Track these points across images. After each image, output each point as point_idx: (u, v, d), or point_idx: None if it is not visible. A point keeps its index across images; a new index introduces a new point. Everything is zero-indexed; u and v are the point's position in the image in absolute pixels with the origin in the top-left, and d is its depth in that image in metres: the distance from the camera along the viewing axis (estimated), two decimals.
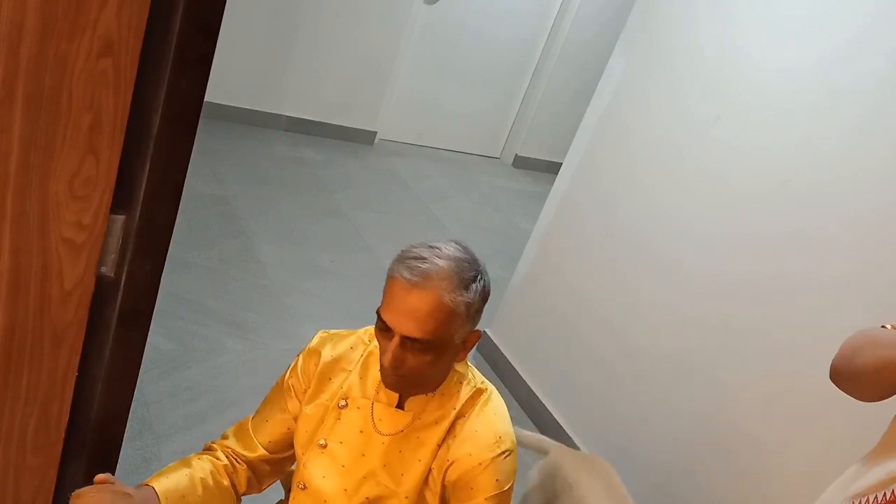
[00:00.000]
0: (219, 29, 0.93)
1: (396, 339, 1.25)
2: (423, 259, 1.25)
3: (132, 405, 1.23)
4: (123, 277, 1.05)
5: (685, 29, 2.52)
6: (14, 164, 0.90)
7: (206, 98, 0.98)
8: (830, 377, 1.21)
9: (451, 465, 1.35)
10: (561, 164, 3.01)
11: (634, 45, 2.70)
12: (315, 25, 4.60)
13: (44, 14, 0.83)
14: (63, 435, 1.17)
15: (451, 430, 1.36)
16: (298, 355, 1.47)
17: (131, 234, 1.02)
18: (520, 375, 3.04)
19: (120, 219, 1.02)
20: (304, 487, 1.41)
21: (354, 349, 1.44)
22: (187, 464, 1.39)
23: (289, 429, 1.45)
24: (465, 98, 5.48)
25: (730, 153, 2.34)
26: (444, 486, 1.37)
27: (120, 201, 1.00)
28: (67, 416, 1.15)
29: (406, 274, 1.24)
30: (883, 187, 1.95)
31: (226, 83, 4.50)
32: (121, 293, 1.06)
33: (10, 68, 0.85)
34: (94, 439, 1.20)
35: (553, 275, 2.97)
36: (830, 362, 1.21)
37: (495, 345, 3.18)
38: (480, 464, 1.34)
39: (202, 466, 1.39)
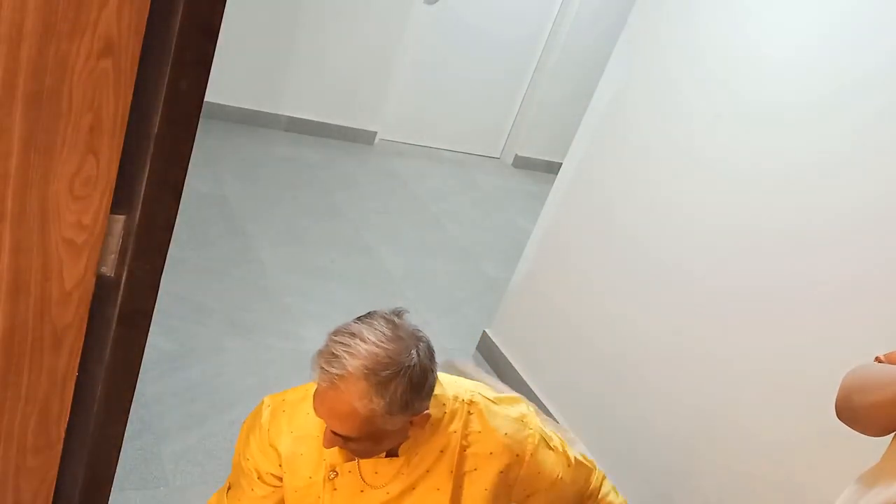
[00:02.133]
0: (219, 29, 0.93)
1: (328, 430, 1.24)
2: (335, 359, 1.19)
3: (132, 405, 1.23)
4: (123, 277, 1.05)
5: (685, 29, 2.52)
6: (14, 164, 0.90)
7: (206, 98, 0.98)
8: (837, 417, 1.23)
9: (503, 474, 1.34)
10: (561, 164, 3.01)
11: (634, 45, 2.70)
12: (315, 25, 4.60)
13: (44, 14, 0.83)
14: (63, 435, 1.17)
15: (470, 454, 1.34)
16: (249, 436, 1.41)
17: (131, 234, 1.02)
18: (520, 375, 3.04)
19: (120, 219, 1.02)
20: None
21: (312, 414, 1.35)
22: None
23: (279, 500, 1.41)
24: (465, 98, 5.48)
25: (730, 153, 2.34)
26: (495, 494, 1.36)
27: (120, 201, 1.00)
28: (67, 416, 1.15)
29: (318, 376, 1.20)
30: (884, 187, 1.95)
31: (226, 83, 4.50)
32: (121, 293, 1.06)
33: (10, 68, 0.85)
34: (94, 439, 1.20)
35: (553, 275, 2.97)
36: (835, 398, 1.23)
37: (495, 345, 3.18)
38: (532, 454, 1.35)
39: None
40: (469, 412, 1.36)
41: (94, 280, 1.04)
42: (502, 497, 1.38)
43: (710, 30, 2.44)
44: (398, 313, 1.26)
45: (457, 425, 1.34)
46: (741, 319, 2.26)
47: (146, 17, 0.88)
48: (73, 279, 1.02)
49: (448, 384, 1.39)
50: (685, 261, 2.44)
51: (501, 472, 1.35)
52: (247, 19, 4.42)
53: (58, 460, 1.19)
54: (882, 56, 1.98)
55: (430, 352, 1.26)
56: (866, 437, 1.20)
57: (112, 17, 0.86)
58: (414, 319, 1.30)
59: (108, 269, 1.05)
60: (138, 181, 0.99)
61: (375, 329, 1.21)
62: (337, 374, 1.18)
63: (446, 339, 3.30)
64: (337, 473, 1.35)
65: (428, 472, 1.33)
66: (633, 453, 2.56)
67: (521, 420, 1.40)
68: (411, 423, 1.27)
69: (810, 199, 2.11)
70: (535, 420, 1.43)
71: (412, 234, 4.17)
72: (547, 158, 5.81)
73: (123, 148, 0.96)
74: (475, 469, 1.35)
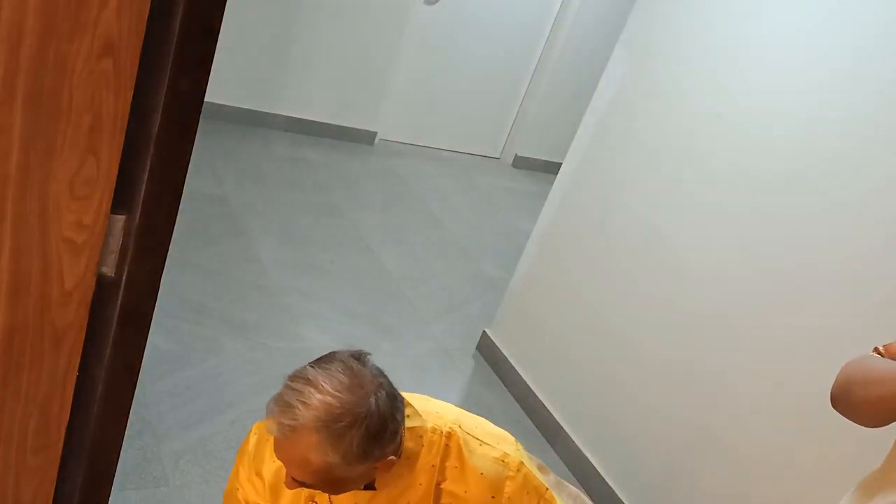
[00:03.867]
0: (219, 29, 0.93)
1: (288, 474, 1.21)
2: (289, 409, 1.15)
3: (132, 405, 1.23)
4: (123, 277, 1.05)
5: (685, 29, 2.52)
6: (14, 164, 0.90)
7: (206, 98, 0.98)
8: (831, 405, 1.22)
9: None
10: (561, 164, 3.01)
11: (634, 45, 2.70)
12: (315, 25, 4.60)
13: (44, 14, 0.83)
14: (63, 435, 1.17)
15: (450, 492, 1.31)
16: (239, 465, 1.41)
17: (131, 234, 1.02)
18: (520, 375, 3.04)
19: (120, 219, 1.02)
20: None
21: None
22: None
23: None
24: (465, 98, 5.48)
25: (731, 152, 2.34)
26: None
27: (120, 201, 1.00)
28: (67, 416, 1.15)
29: (271, 425, 1.17)
30: (886, 188, 1.95)
31: (226, 83, 4.50)
32: (121, 293, 1.06)
33: (10, 68, 0.85)
34: (94, 439, 1.20)
35: (553, 275, 2.97)
36: (830, 390, 1.23)
37: (495, 345, 3.18)
38: (509, 497, 1.31)
39: None
40: (447, 444, 1.32)
41: (94, 280, 1.04)
42: None
43: (709, 30, 2.44)
44: (359, 356, 1.22)
45: (434, 459, 1.31)
46: (741, 318, 2.26)
47: (146, 17, 0.88)
48: (73, 279, 1.02)
49: (427, 414, 1.35)
50: (685, 260, 2.44)
51: (493, 495, 1.31)
52: (247, 19, 4.42)
53: (58, 460, 1.19)
54: (889, 52, 1.98)
55: (392, 397, 1.22)
56: (867, 436, 1.20)
57: (112, 17, 0.86)
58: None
59: (108, 269, 1.05)
60: (138, 181, 0.99)
61: (332, 376, 1.17)
62: (289, 426, 1.15)
63: (446, 339, 3.30)
64: (317, 502, 1.35)
65: (407, 500, 1.31)
66: (633, 453, 2.56)
67: (501, 461, 1.34)
68: (375, 468, 1.23)
69: (814, 196, 2.11)
70: (522, 463, 1.37)
71: (412, 234, 4.17)
72: (547, 158, 5.81)
73: (123, 148, 0.96)
74: (463, 500, 1.32)
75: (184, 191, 1.03)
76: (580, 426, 2.78)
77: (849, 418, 1.20)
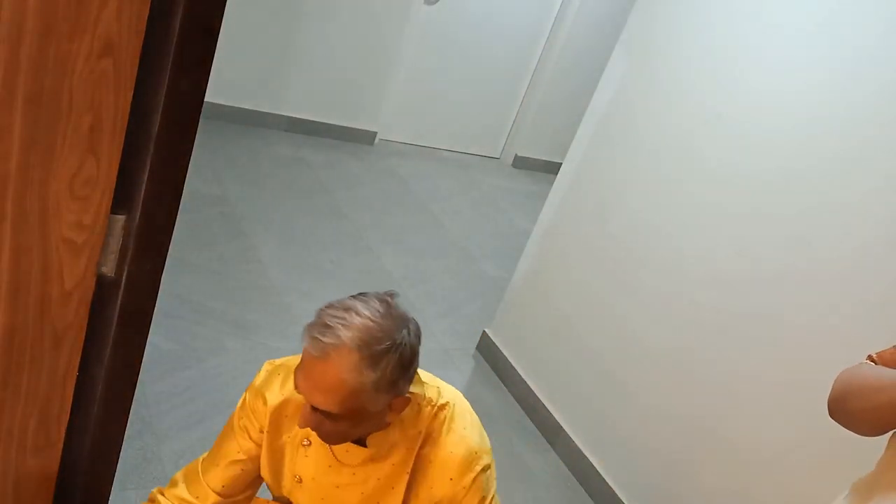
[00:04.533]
0: (219, 29, 0.93)
1: (307, 406, 1.23)
2: (328, 329, 1.18)
3: (132, 405, 1.23)
4: (123, 277, 1.05)
5: (685, 29, 2.52)
6: (14, 164, 0.90)
7: (206, 98, 0.98)
8: (829, 415, 1.23)
9: (433, 490, 1.34)
10: (561, 164, 3.01)
11: (634, 46, 2.70)
12: (315, 25, 4.60)
13: (44, 14, 0.83)
14: (63, 435, 1.17)
15: (423, 456, 1.34)
16: (245, 393, 1.43)
17: (131, 234, 1.02)
18: (520, 375, 3.04)
19: (120, 219, 1.02)
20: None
21: None
22: None
23: (243, 470, 1.42)
24: (465, 98, 5.48)
25: (731, 152, 2.34)
26: None
27: (120, 201, 1.00)
28: (67, 416, 1.15)
29: (309, 346, 1.18)
30: (886, 187, 1.95)
31: (226, 83, 4.50)
32: (121, 293, 1.06)
33: (10, 68, 0.85)
34: (94, 439, 1.20)
35: (553, 275, 2.97)
36: (827, 398, 1.23)
37: (495, 345, 3.18)
38: (464, 487, 1.34)
39: None
40: (435, 415, 1.36)
41: (94, 280, 1.04)
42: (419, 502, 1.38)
43: (709, 29, 2.45)
44: (390, 294, 1.26)
45: (422, 426, 1.34)
46: (741, 318, 2.26)
47: (146, 17, 0.88)
48: (73, 279, 1.02)
49: (429, 386, 1.39)
50: (685, 260, 2.44)
51: (451, 479, 1.35)
52: (247, 19, 4.42)
53: (58, 460, 1.19)
54: (883, 38, 1.98)
55: (419, 335, 1.26)
56: (863, 445, 1.20)
57: (112, 17, 0.86)
58: (414, 318, 1.29)
59: (108, 269, 1.05)
60: (138, 181, 0.99)
61: (369, 305, 1.21)
62: (331, 344, 1.16)
63: (446, 339, 3.30)
64: (310, 443, 1.36)
65: (393, 465, 1.34)
66: (633, 453, 2.56)
67: (474, 452, 1.36)
68: (391, 406, 1.26)
69: (813, 196, 2.11)
70: (488, 468, 1.39)
71: (412, 234, 4.17)
72: (547, 158, 5.81)
73: (123, 148, 0.96)
74: (427, 474, 1.35)
75: (184, 191, 1.03)
76: (580, 426, 2.78)
77: (846, 427, 1.20)
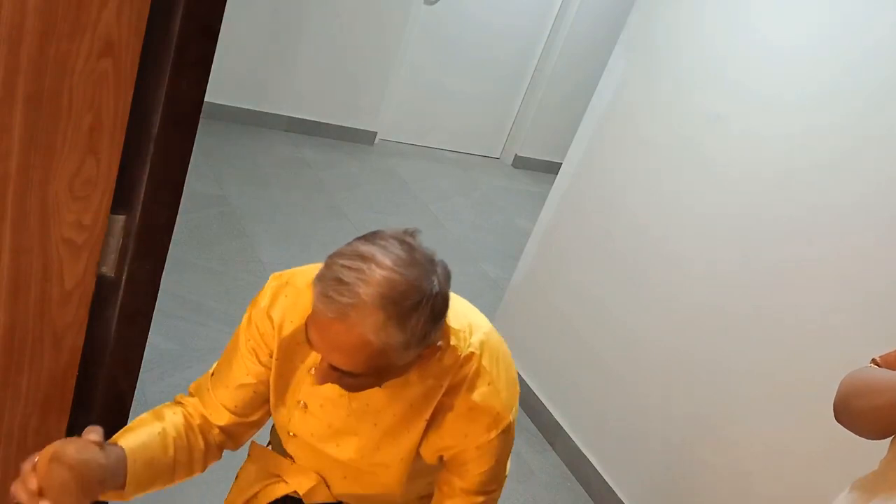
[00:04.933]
0: (219, 29, 0.93)
1: (324, 364, 1.07)
2: (344, 286, 0.99)
3: (132, 405, 1.23)
4: (123, 277, 1.05)
5: (685, 28, 2.52)
6: (14, 164, 0.90)
7: (206, 98, 0.98)
8: (834, 418, 1.24)
9: (445, 441, 1.24)
10: (561, 164, 3.01)
11: (634, 45, 2.70)
12: (315, 25, 4.60)
13: (44, 14, 0.83)
14: (63, 435, 1.17)
15: (443, 405, 1.22)
16: (249, 310, 1.27)
17: (131, 234, 1.02)
18: (520, 375, 3.04)
19: (120, 219, 1.02)
20: (295, 436, 1.30)
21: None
22: (160, 418, 1.22)
23: (255, 392, 1.28)
24: (465, 98, 5.48)
25: (731, 152, 2.34)
26: (439, 455, 1.27)
27: (120, 201, 1.00)
28: (67, 416, 1.15)
29: (321, 304, 1.00)
30: (887, 187, 1.95)
31: (226, 83, 4.50)
32: (121, 293, 1.06)
33: (10, 68, 0.85)
34: None
35: (553, 275, 2.97)
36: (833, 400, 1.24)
37: None
38: (478, 447, 1.23)
39: (176, 424, 1.23)
40: (461, 366, 1.22)
41: (93, 280, 1.04)
42: (430, 448, 1.27)
43: (709, 29, 2.45)
44: (411, 233, 1.08)
45: (443, 374, 1.21)
46: (742, 317, 2.26)
47: (146, 17, 0.88)
48: (73, 279, 1.02)
49: (459, 322, 1.24)
50: (685, 260, 2.44)
51: (466, 435, 1.23)
52: (247, 19, 4.42)
53: None
54: (883, 37, 1.99)
55: (448, 275, 1.09)
56: (864, 442, 1.21)
57: (112, 17, 0.86)
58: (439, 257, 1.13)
59: (108, 269, 1.05)
60: (138, 181, 0.99)
61: (388, 251, 1.02)
62: (349, 304, 0.98)
63: None
64: None
65: (411, 406, 1.22)
66: (633, 453, 2.56)
67: (496, 412, 1.24)
68: (421, 356, 1.11)
69: (814, 196, 2.11)
70: (508, 429, 1.29)
71: None
72: (547, 158, 5.81)
73: (123, 148, 0.96)
74: (443, 423, 1.23)
75: (184, 191, 1.03)
76: (580, 426, 2.78)
77: (851, 430, 1.21)
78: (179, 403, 1.29)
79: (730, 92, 2.35)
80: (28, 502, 0.99)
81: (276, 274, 1.27)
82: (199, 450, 1.26)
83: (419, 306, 1.01)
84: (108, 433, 1.21)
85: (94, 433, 1.06)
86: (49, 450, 0.99)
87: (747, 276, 2.25)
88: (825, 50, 2.12)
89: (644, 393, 2.55)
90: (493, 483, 1.33)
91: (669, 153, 2.53)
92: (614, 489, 2.60)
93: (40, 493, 0.98)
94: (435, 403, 1.22)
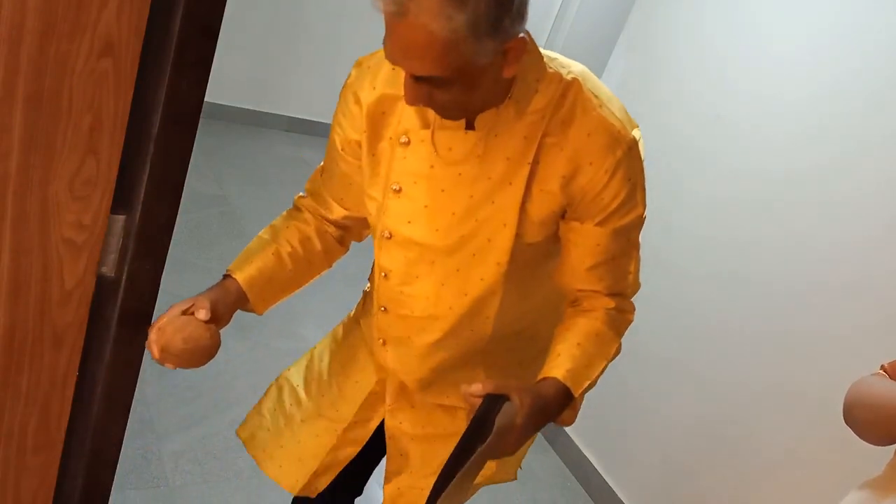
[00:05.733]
0: (219, 29, 0.93)
1: (407, 76, 1.04)
2: None
3: (132, 405, 1.23)
4: (123, 277, 1.05)
5: (685, 29, 2.52)
6: (14, 164, 0.90)
7: (206, 98, 0.98)
8: (844, 422, 1.25)
9: (566, 180, 1.14)
10: None
11: (634, 46, 2.70)
12: (315, 25, 4.60)
13: (44, 14, 0.83)
14: (63, 435, 1.17)
15: (548, 145, 1.14)
16: (339, 99, 1.26)
17: (131, 234, 1.02)
18: None
19: (120, 219, 1.02)
20: (390, 237, 1.24)
21: (399, 68, 1.14)
22: (274, 237, 1.32)
23: (359, 186, 1.28)
24: None
25: (730, 153, 2.34)
26: (556, 203, 1.17)
27: (120, 201, 1.00)
28: (67, 416, 1.15)
29: (384, 6, 1.00)
30: (887, 187, 1.95)
31: (226, 83, 4.50)
32: (121, 293, 1.06)
33: (10, 68, 0.85)
34: (94, 439, 1.20)
35: None
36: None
37: None
38: (606, 171, 1.14)
39: (289, 238, 1.32)
40: (563, 94, 1.14)
41: (94, 280, 1.04)
42: (541, 201, 1.18)
43: (709, 29, 2.44)
44: None
45: (546, 107, 1.13)
46: (741, 319, 2.26)
47: (146, 17, 0.88)
48: (73, 279, 1.02)
49: (550, 59, 1.17)
50: (686, 259, 2.44)
51: (591, 163, 1.14)
52: (247, 19, 4.42)
53: (58, 460, 1.19)
54: (884, 36, 1.98)
55: None
56: (866, 447, 1.22)
57: (112, 17, 0.86)
58: None
59: (108, 269, 1.05)
60: (138, 181, 0.99)
61: None
62: None
63: None
64: (409, 141, 1.18)
65: (508, 160, 1.15)
66: (633, 452, 2.56)
67: (617, 131, 1.15)
68: (505, 56, 1.06)
69: (813, 198, 2.11)
70: (636, 143, 1.21)
71: None
72: None
73: (123, 148, 0.96)
74: (554, 164, 1.15)
75: (184, 191, 1.03)
76: (580, 426, 2.78)
77: (858, 436, 1.22)
78: (297, 208, 1.40)
79: (730, 92, 2.35)
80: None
81: (360, 58, 1.26)
82: (318, 253, 1.35)
83: None
84: (109, 433, 1.21)
85: (202, 310, 1.18)
86: (160, 341, 1.13)
87: (749, 277, 2.25)
88: (827, 48, 2.12)
89: (644, 393, 2.55)
90: (627, 261, 1.30)
91: (670, 153, 2.52)
92: (614, 489, 2.60)
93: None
94: (537, 142, 1.13)
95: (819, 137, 2.10)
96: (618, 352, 1.37)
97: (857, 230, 1.99)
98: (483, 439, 1.06)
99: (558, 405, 1.20)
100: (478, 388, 1.10)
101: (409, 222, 1.22)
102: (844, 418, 1.24)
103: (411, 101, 1.06)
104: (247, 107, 4.71)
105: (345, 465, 1.50)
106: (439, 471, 1.10)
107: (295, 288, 1.39)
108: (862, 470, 1.31)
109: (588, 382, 1.25)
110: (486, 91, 1.09)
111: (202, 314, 1.19)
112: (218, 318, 1.24)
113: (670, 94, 2.54)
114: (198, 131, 1.00)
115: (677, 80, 2.52)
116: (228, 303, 1.27)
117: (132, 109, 0.94)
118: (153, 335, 1.15)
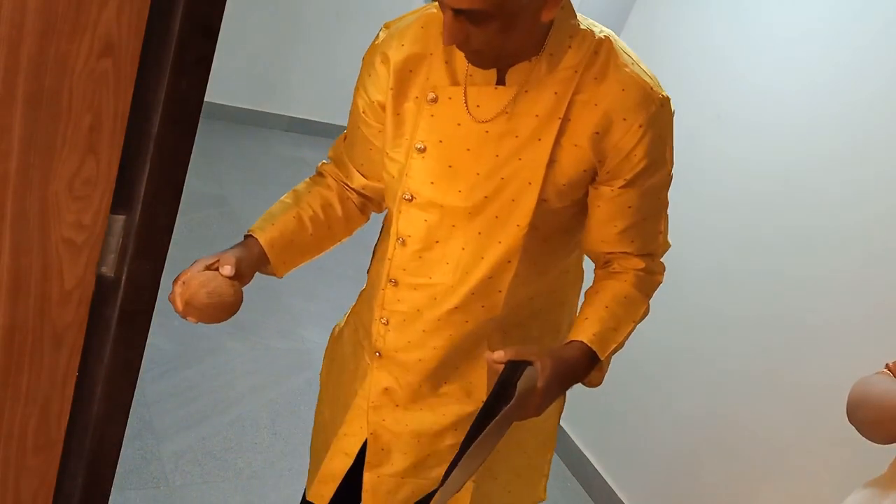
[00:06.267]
0: (219, 29, 0.93)
1: (448, 13, 1.04)
2: None
3: (132, 405, 1.23)
4: (123, 277, 1.05)
5: (685, 29, 2.52)
6: (14, 164, 0.90)
7: (206, 98, 0.98)
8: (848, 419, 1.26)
9: (598, 136, 1.14)
10: None
11: (635, 46, 2.70)
12: (315, 25, 4.60)
13: (44, 14, 0.83)
14: (63, 435, 1.17)
15: (579, 102, 1.13)
16: (364, 60, 1.27)
17: (131, 234, 1.02)
18: None
19: (120, 219, 1.02)
20: (412, 199, 1.22)
21: (427, 27, 1.19)
22: (296, 201, 1.36)
23: (380, 153, 1.28)
24: None
25: (730, 153, 2.34)
26: (585, 160, 1.16)
27: (120, 201, 1.00)
28: (67, 416, 1.15)
29: None
30: (888, 185, 1.95)
31: (226, 83, 4.51)
32: (121, 293, 1.06)
33: (10, 68, 0.85)
34: (94, 439, 1.20)
35: None
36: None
37: None
38: (641, 125, 1.14)
39: (311, 202, 1.34)
40: (595, 52, 1.15)
41: (94, 280, 1.04)
42: (569, 161, 1.17)
43: (709, 29, 2.44)
44: None
45: (578, 64, 1.13)
46: (741, 317, 2.26)
47: (146, 17, 0.88)
48: (73, 279, 1.02)
49: (583, 18, 1.20)
50: (686, 259, 2.44)
51: (625, 119, 1.13)
52: (247, 19, 4.42)
53: (58, 460, 1.19)
54: (884, 35, 1.98)
55: None
56: (870, 446, 1.22)
57: (112, 18, 0.86)
58: None
59: (108, 269, 1.05)
60: (138, 181, 0.99)
61: None
62: None
63: None
64: (437, 98, 1.17)
65: (537, 117, 1.14)
66: (633, 452, 2.56)
67: (649, 87, 1.18)
68: (544, 2, 1.05)
69: (812, 197, 2.11)
70: (668, 100, 1.23)
71: None
72: None
73: (123, 148, 0.96)
74: (586, 120, 1.14)
75: (184, 191, 1.03)
76: (580, 426, 2.78)
77: (861, 434, 1.23)
78: (319, 174, 1.42)
79: (731, 92, 2.35)
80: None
81: (387, 23, 1.30)
82: (338, 219, 1.38)
83: None
84: (109, 433, 1.21)
85: (228, 266, 1.22)
86: (185, 294, 1.16)
87: (750, 276, 2.25)
88: (828, 47, 2.12)
89: (645, 393, 2.55)
90: (657, 221, 1.25)
91: None
92: (614, 489, 2.60)
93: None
94: (568, 99, 1.13)
95: (820, 133, 2.10)
96: (646, 313, 1.38)
97: (860, 224, 1.99)
98: (506, 402, 1.09)
99: (583, 368, 1.25)
100: (500, 354, 1.12)
101: (431, 183, 1.20)
102: (848, 417, 1.24)
103: (448, 40, 1.06)
104: (247, 107, 4.72)
105: (340, 479, 1.49)
106: (419, 464, 1.11)
107: (315, 253, 1.41)
108: (865, 469, 1.31)
109: (615, 345, 1.30)
110: (523, 34, 1.08)
111: (227, 270, 1.21)
112: (241, 276, 1.26)
113: (670, 92, 2.54)
114: (198, 131, 1.00)
115: (677, 80, 2.52)
116: (251, 261, 1.29)
117: (132, 109, 0.94)
118: (178, 288, 1.16)
